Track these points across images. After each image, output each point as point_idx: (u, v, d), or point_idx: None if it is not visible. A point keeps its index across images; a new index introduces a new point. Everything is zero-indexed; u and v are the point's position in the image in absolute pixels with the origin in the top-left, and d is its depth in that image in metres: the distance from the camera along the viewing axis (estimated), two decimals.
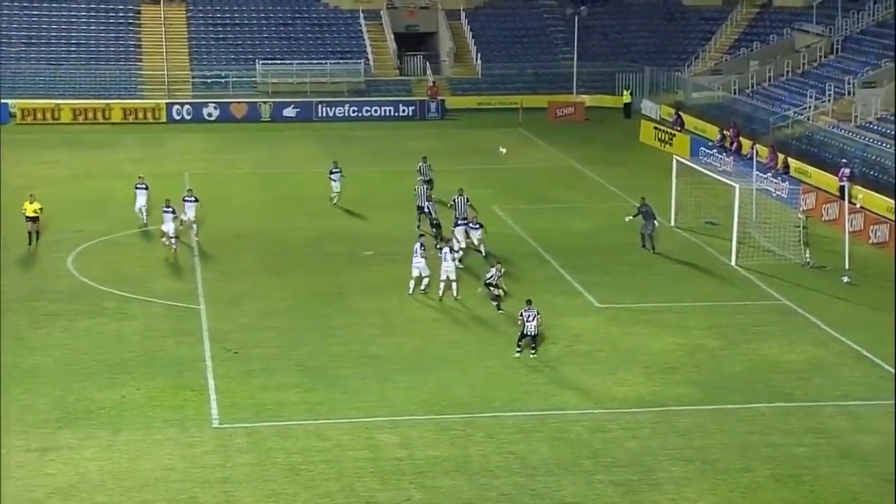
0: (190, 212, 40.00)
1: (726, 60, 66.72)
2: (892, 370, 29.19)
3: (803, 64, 61.06)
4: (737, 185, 39.07)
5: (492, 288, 33.28)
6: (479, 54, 70.73)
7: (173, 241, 38.03)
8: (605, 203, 46.55)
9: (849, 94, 54.50)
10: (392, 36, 71.36)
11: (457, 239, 37.30)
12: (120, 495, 22.87)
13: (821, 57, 60.77)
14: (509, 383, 28.29)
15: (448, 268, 33.99)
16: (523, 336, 29.81)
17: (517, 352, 29.73)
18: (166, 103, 64.83)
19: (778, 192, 45.83)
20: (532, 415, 26.39)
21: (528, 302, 30.02)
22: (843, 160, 47.15)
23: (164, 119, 64.24)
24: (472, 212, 39.08)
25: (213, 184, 49.22)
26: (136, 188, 42.00)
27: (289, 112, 65.05)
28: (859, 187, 44.87)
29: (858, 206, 42.26)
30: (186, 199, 40.32)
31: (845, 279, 36.52)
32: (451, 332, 31.83)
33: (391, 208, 44.48)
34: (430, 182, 43.69)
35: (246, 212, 44.73)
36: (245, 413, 26.48)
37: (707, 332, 31.90)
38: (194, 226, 39.89)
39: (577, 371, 29.01)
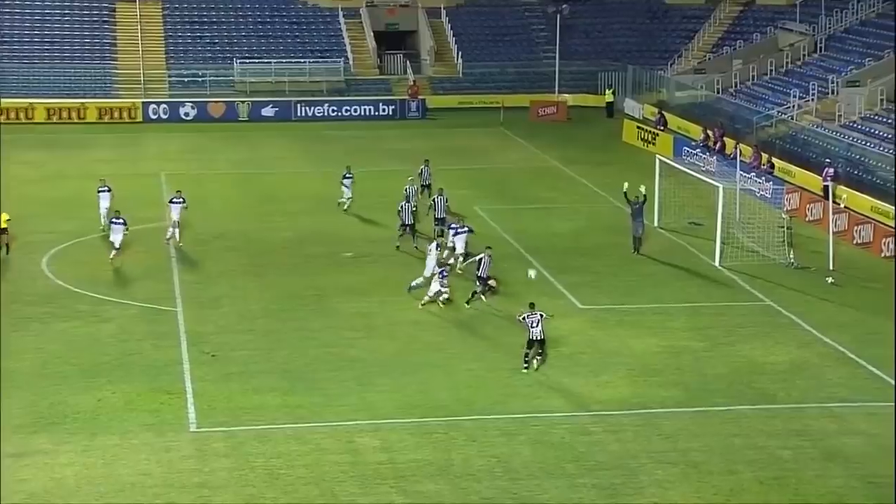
0: (175, 213, 39.66)
1: (709, 59, 66.97)
2: (877, 371, 29.36)
3: (787, 63, 61.36)
4: (720, 185, 39.21)
5: (489, 282, 33.41)
6: (460, 53, 70.80)
7: (116, 251, 37.13)
8: (588, 203, 46.65)
9: (832, 93, 54.78)
10: (372, 34, 71.35)
11: (455, 246, 37.10)
12: (96, 501, 22.78)
13: (804, 56, 61.07)
14: (491, 386, 28.32)
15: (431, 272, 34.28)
16: (531, 343, 28.94)
17: (525, 365, 28.88)
18: (142, 102, 64.62)
19: (762, 192, 46.03)
20: (514, 418, 26.42)
21: (531, 305, 29.35)
22: (827, 160, 47.40)
23: (139, 119, 64.04)
24: (450, 214, 39.23)
25: (191, 184, 48.88)
26: (99, 191, 41.39)
27: (267, 111, 64.95)
28: (843, 187, 45.10)
29: (842, 206, 42.48)
30: (174, 200, 39.90)
31: (829, 280, 36.71)
32: (432, 334, 31.83)
33: (371, 209, 44.44)
34: (428, 186, 43.36)
35: (224, 213, 44.62)
36: (223, 417, 26.43)
37: (691, 333, 32.01)
38: (177, 229, 39.56)
39: (560, 373, 29.05)
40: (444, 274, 33.70)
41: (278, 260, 38.65)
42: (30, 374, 28.79)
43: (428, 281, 34.16)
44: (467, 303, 33.59)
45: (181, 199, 39.84)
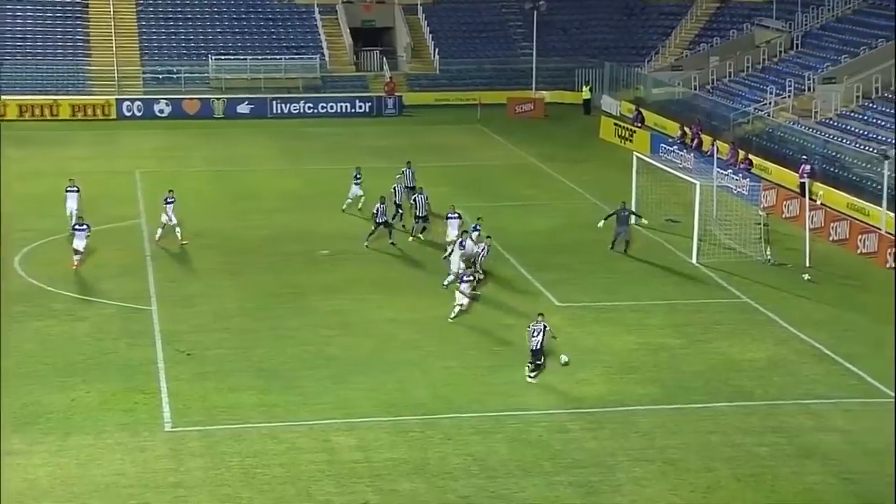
0: (171, 212, 39.20)
1: (686, 56, 67.20)
2: (853, 367, 29.55)
3: (763, 59, 61.65)
4: (697, 182, 39.35)
5: (477, 273, 33.95)
6: (436, 50, 70.79)
7: (79, 258, 36.07)
8: (566, 201, 46.74)
9: (809, 90, 55.08)
10: (348, 31, 71.25)
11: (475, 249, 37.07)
12: (70, 502, 22.70)
13: (780, 52, 61.38)
14: (468, 384, 28.35)
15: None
16: (532, 354, 28.27)
17: (530, 375, 28.23)
18: (116, 99, 64.32)
19: (739, 189, 46.19)
20: (491, 416, 26.45)
21: (540, 315, 28.74)
22: (804, 157, 47.64)
23: (114, 116, 63.74)
24: (431, 214, 39.63)
25: (166, 182, 48.74)
26: (67, 191, 40.64)
27: (242, 108, 64.74)
28: (820, 184, 45.36)
29: (819, 203, 42.72)
30: (168, 200, 39.52)
31: (806, 276, 36.91)
32: (409, 332, 31.83)
33: (348, 207, 44.36)
34: (412, 188, 42.96)
35: (199, 211, 44.41)
36: (198, 416, 26.37)
37: (668, 330, 32.12)
38: (177, 228, 39.14)
39: None
40: (466, 279, 32.69)
41: (254, 258, 38.56)
42: (3, 374, 28.60)
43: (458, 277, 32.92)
44: (473, 289, 33.78)
45: (174, 199, 39.47)
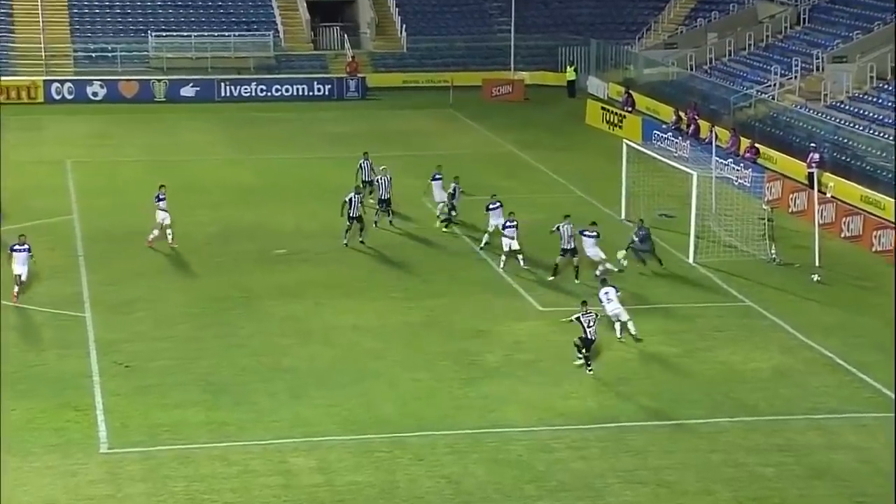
0: (164, 209, 38.89)
1: (681, 32, 67.52)
2: (867, 378, 29.79)
3: (767, 36, 62.01)
4: (694, 173, 39.56)
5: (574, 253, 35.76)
6: (403, 26, 70.85)
7: (21, 285, 34.03)
8: (548, 193, 46.90)
9: (817, 69, 55.42)
10: (305, 5, 71.24)
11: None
12: None
13: (786, 28, 61.76)
14: (441, 398, 28.42)
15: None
16: (589, 343, 29.50)
17: (589, 368, 29.51)
18: (44, 81, 64.10)
19: (740, 181, 46.50)
20: (466, 433, 26.50)
21: (584, 303, 30.15)
22: (812, 144, 47.96)
23: (41, 99, 63.53)
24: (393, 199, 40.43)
25: (100, 173, 48.77)
26: None
27: (187, 91, 64.69)
28: (830, 174, 45.67)
29: (829, 195, 43.03)
30: (160, 197, 39.00)
31: (815, 277, 37.14)
32: (374, 340, 31.88)
33: (305, 200, 44.42)
34: (370, 182, 42.75)
35: (137, 205, 44.17)
36: (138, 436, 26.32)
37: (662, 338, 32.27)
38: (169, 230, 38.90)
39: (518, 383, 29.19)
40: (616, 290, 31.88)
41: (201, 258, 38.52)
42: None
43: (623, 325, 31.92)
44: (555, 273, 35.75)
45: (166, 195, 39.13)
